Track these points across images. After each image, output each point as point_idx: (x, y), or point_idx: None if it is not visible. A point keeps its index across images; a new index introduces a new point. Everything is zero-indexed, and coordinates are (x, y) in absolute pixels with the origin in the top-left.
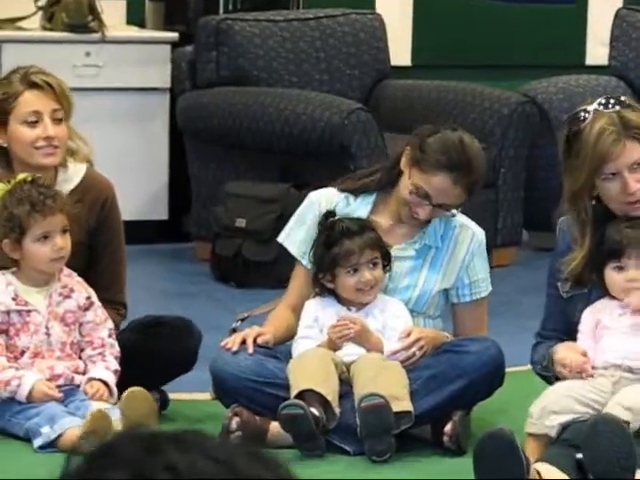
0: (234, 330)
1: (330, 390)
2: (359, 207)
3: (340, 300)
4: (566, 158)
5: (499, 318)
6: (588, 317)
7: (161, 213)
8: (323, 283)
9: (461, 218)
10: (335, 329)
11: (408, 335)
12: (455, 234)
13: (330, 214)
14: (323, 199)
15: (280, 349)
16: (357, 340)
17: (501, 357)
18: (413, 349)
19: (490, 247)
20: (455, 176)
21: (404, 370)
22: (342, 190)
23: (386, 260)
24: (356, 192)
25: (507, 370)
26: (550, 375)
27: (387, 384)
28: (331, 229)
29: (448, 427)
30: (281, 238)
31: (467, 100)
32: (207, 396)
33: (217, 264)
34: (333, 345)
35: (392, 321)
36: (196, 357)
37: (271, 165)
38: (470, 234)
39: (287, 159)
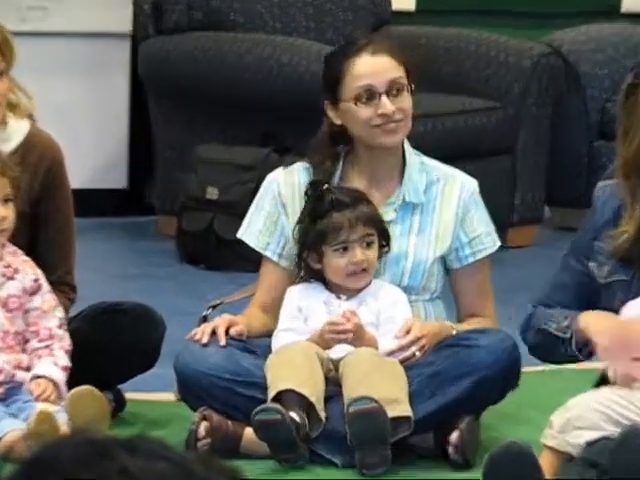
0: (204, 319)
1: (314, 391)
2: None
3: (328, 286)
4: (625, 116)
5: (514, 307)
6: (631, 312)
7: (119, 181)
8: (309, 264)
9: (444, 168)
10: (331, 326)
11: (407, 332)
12: (440, 187)
13: (318, 183)
14: (281, 177)
15: (257, 342)
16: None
17: (516, 352)
18: (413, 349)
19: (505, 225)
20: (370, 49)
21: (402, 368)
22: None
23: (384, 240)
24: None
25: (523, 369)
26: (566, 337)
27: (382, 384)
28: (319, 200)
29: (453, 435)
30: (240, 232)
31: (481, 51)
32: (171, 397)
33: (184, 242)
34: (322, 342)
35: (388, 311)
36: (158, 351)
37: (249, 125)
38: (458, 184)
39: (268, 118)
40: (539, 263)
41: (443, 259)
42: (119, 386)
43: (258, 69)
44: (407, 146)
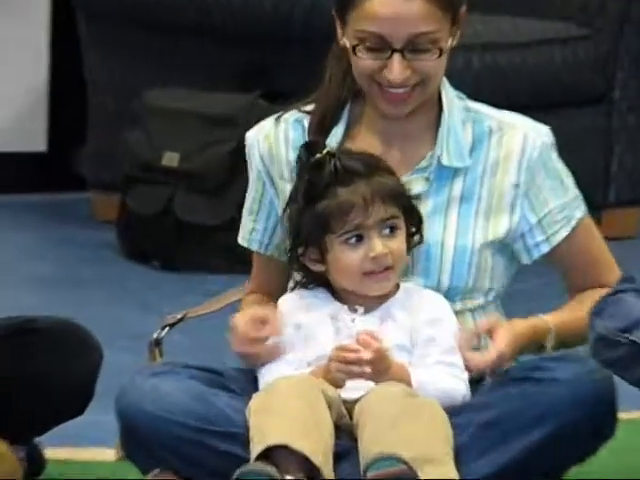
0: (157, 343)
1: (319, 447)
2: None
3: (336, 294)
4: None
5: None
6: None
7: (36, 142)
8: (305, 264)
9: (500, 115)
10: (340, 355)
11: (488, 333)
12: (494, 142)
13: (314, 145)
14: (262, 134)
15: (235, 376)
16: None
17: (610, 388)
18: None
19: (598, 207)
20: None
21: (444, 412)
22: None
23: (413, 224)
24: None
25: (621, 413)
26: None
27: (414, 436)
28: (317, 170)
29: None
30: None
31: None
32: (110, 455)
33: (130, 229)
34: (330, 377)
35: (426, 330)
36: (92, 389)
37: (224, 61)
38: (520, 136)
39: (251, 51)
40: None
41: (506, 247)
42: (35, 439)
43: None
44: (445, 87)
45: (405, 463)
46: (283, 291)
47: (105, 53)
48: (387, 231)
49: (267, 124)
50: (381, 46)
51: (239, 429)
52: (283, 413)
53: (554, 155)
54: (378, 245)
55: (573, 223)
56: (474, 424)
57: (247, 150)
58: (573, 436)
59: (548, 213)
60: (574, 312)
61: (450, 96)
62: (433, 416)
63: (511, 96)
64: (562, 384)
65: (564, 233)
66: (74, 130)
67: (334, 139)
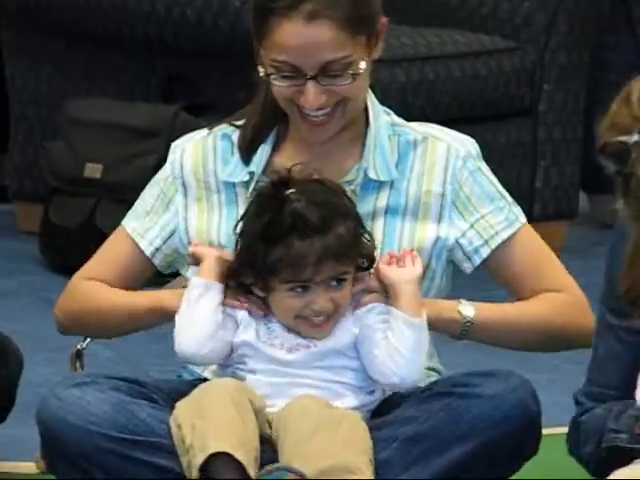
0: (79, 354)
1: (250, 458)
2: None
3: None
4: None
5: None
6: None
7: None
8: (248, 286)
9: (425, 128)
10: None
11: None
12: (418, 154)
13: (282, 183)
14: (190, 145)
15: (155, 385)
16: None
17: (535, 407)
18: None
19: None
20: (306, 10)
21: (365, 425)
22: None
23: (366, 261)
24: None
25: (545, 431)
26: None
27: (332, 446)
28: (278, 210)
29: None
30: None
31: None
32: (31, 467)
33: (52, 241)
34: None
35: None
36: (13, 396)
37: (148, 72)
38: (444, 148)
39: (175, 62)
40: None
41: (445, 258)
42: None
43: None
44: (372, 100)
45: (297, 473)
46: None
47: (28, 63)
48: (334, 283)
49: (197, 135)
50: (294, 74)
51: (162, 439)
52: (218, 420)
53: (482, 165)
54: (322, 300)
55: (515, 227)
56: (398, 438)
57: (170, 155)
58: (495, 453)
59: (481, 218)
60: (513, 307)
61: (377, 110)
62: (352, 428)
63: (437, 109)
64: (485, 400)
65: (505, 235)
66: None
67: (262, 154)
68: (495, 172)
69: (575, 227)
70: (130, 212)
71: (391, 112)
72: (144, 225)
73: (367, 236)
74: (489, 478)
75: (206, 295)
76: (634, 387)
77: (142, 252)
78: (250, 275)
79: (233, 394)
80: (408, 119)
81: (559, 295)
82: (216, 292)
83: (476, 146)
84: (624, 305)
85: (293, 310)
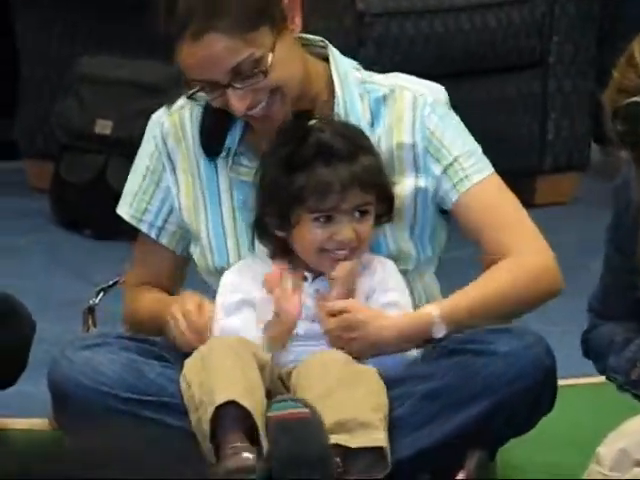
0: (91, 310)
1: (257, 407)
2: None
3: (291, 260)
4: None
5: None
6: None
7: None
8: (267, 226)
9: (393, 80)
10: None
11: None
12: (387, 108)
13: (305, 115)
14: (167, 117)
15: (167, 345)
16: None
17: (550, 363)
18: (330, 326)
19: (533, 173)
20: (192, 30)
21: (382, 382)
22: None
23: (385, 204)
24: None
25: (561, 381)
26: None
27: (348, 402)
28: (301, 140)
29: (459, 479)
30: (119, 205)
31: None
32: (45, 424)
33: (63, 197)
34: (272, 343)
35: (381, 297)
36: (25, 359)
37: (155, 29)
38: (410, 97)
39: None
40: (583, 229)
41: (434, 208)
42: None
43: None
44: (337, 62)
45: (309, 406)
46: (175, 287)
47: (37, 21)
48: (358, 215)
49: (174, 107)
50: (212, 87)
51: (172, 398)
52: (222, 373)
53: (450, 112)
54: (348, 231)
55: (484, 173)
56: (413, 396)
57: (149, 125)
58: (511, 410)
59: (454, 161)
60: (478, 290)
61: (344, 71)
62: (369, 385)
63: (447, 62)
64: (501, 358)
65: (474, 180)
66: (6, 98)
67: (236, 131)
68: (506, 124)
69: (587, 178)
70: (122, 196)
71: (360, 67)
72: (139, 207)
73: (388, 177)
74: (506, 434)
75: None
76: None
77: (146, 235)
78: (273, 212)
79: (235, 348)
80: (418, 73)
81: (522, 259)
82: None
83: (445, 94)
84: (628, 242)
85: (317, 242)
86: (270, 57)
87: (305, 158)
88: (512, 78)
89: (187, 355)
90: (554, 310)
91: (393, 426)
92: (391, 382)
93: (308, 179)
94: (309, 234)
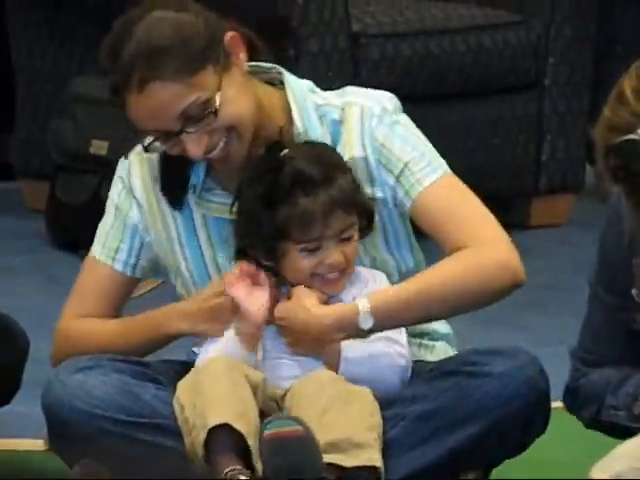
0: None
1: (250, 429)
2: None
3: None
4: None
5: (542, 315)
6: None
7: None
8: (255, 255)
9: (344, 97)
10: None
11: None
12: (342, 126)
13: (277, 146)
14: (132, 156)
15: (159, 367)
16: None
17: (544, 384)
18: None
19: (528, 194)
20: (135, 82)
21: (376, 402)
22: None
23: (365, 219)
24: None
25: (552, 404)
26: None
27: (343, 421)
28: (276, 172)
29: None
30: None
31: None
32: (39, 445)
33: (59, 218)
34: (243, 344)
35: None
36: (19, 379)
37: None
38: (358, 111)
39: None
40: (577, 250)
41: (398, 215)
42: None
43: None
44: (292, 88)
45: (303, 424)
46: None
47: (35, 38)
48: (343, 237)
49: (134, 153)
50: (165, 136)
51: (166, 420)
52: (214, 395)
53: (400, 117)
54: (336, 254)
55: (434, 176)
56: (407, 417)
57: (117, 168)
58: (505, 431)
59: (404, 168)
60: (422, 280)
61: (301, 97)
62: (363, 405)
63: (442, 84)
64: (495, 379)
65: (425, 183)
66: (2, 118)
67: (200, 169)
68: (501, 146)
69: (581, 200)
70: (95, 238)
71: (316, 89)
72: (111, 246)
73: (364, 192)
74: (499, 455)
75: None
76: (631, 360)
77: (121, 273)
78: (257, 246)
79: (226, 370)
80: (413, 94)
81: (476, 251)
82: (254, 360)
83: (394, 100)
84: (618, 282)
85: (307, 270)
86: (218, 97)
87: (284, 190)
88: (508, 99)
89: (180, 377)
90: (546, 331)
91: (387, 447)
92: (385, 403)
93: (290, 212)
94: (298, 263)
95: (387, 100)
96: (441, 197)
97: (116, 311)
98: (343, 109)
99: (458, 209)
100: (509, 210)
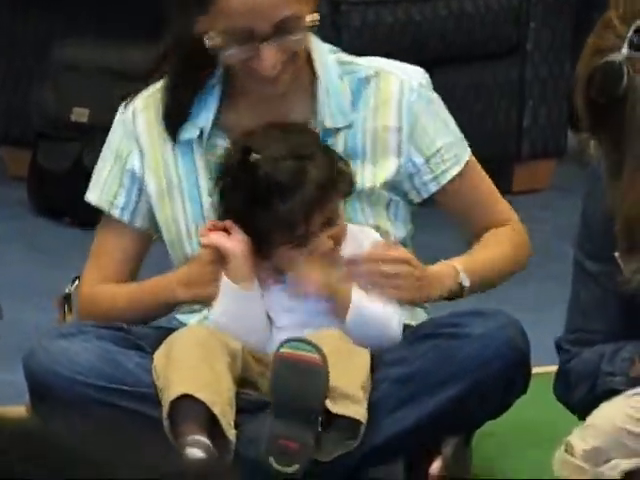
0: (67, 298)
1: (218, 398)
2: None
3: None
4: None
5: (523, 280)
6: None
7: None
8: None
9: (375, 62)
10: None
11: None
12: (371, 89)
13: (244, 150)
14: (140, 100)
15: (145, 332)
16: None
17: (524, 345)
18: (385, 268)
19: (510, 160)
20: None
21: (369, 364)
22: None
23: (347, 187)
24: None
25: (534, 370)
26: None
27: (339, 372)
28: (250, 180)
29: (434, 467)
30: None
31: None
32: (22, 411)
33: (40, 185)
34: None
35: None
36: None
37: (135, 12)
38: (397, 81)
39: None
40: (559, 216)
41: (396, 190)
42: None
43: None
44: (316, 47)
45: (321, 353)
46: (138, 269)
47: (15, 4)
48: (328, 223)
49: (145, 92)
50: (247, 39)
51: (148, 389)
52: (183, 364)
53: (434, 96)
54: (325, 242)
55: (462, 163)
56: (387, 380)
57: (120, 113)
58: (486, 392)
59: (436, 152)
60: (482, 253)
61: (323, 55)
62: (362, 364)
63: (424, 50)
64: (475, 340)
65: (454, 172)
66: None
67: (209, 109)
68: (483, 111)
69: (563, 165)
70: (92, 183)
71: (337, 49)
72: (110, 191)
73: (338, 159)
74: (480, 417)
75: (251, 307)
76: (624, 331)
77: (130, 229)
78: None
79: (202, 339)
80: (395, 60)
81: (509, 230)
82: (258, 298)
83: (426, 76)
84: (602, 249)
85: (300, 260)
86: (309, 19)
87: (261, 198)
88: (489, 65)
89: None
90: (528, 297)
91: (368, 410)
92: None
93: (271, 218)
94: (288, 258)
95: (421, 76)
96: (468, 184)
97: (132, 273)
98: (378, 73)
99: (483, 194)
100: (491, 176)
